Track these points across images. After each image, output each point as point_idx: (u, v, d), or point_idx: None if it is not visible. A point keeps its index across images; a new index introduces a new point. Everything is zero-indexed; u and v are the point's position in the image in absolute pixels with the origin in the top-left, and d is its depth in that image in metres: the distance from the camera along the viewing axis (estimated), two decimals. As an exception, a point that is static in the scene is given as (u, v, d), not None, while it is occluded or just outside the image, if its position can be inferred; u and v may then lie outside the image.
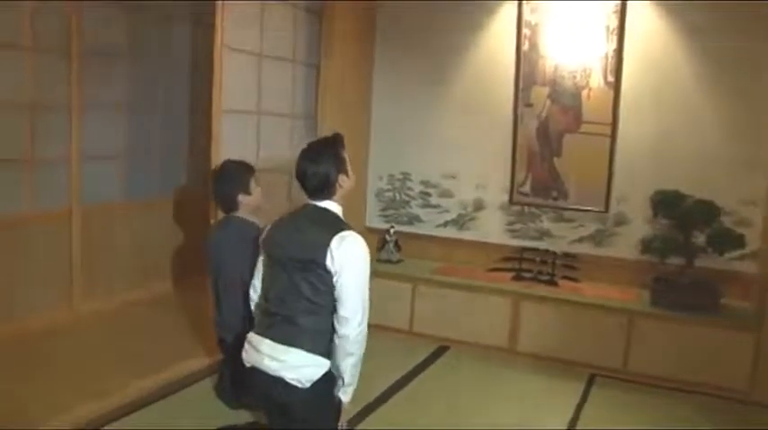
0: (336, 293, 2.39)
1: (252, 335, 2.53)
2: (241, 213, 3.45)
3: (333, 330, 2.44)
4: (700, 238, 4.10)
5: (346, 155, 2.55)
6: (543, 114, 4.66)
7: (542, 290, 4.41)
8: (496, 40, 4.76)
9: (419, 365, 4.22)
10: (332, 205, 2.51)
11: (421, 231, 5.14)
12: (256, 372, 2.50)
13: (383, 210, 5.25)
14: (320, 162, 2.48)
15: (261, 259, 2.64)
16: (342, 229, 2.41)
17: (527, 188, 4.77)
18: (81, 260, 4.57)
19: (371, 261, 2.46)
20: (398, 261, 4.90)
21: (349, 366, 2.44)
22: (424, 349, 4.45)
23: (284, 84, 4.56)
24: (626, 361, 4.11)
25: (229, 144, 4.03)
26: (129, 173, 4.94)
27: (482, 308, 4.43)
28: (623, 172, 4.50)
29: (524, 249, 4.69)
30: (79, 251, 4.56)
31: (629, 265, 4.48)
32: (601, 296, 4.30)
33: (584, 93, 4.53)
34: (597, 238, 4.62)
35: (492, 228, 4.91)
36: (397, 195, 5.20)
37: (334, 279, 2.38)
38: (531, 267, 4.62)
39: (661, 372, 4.02)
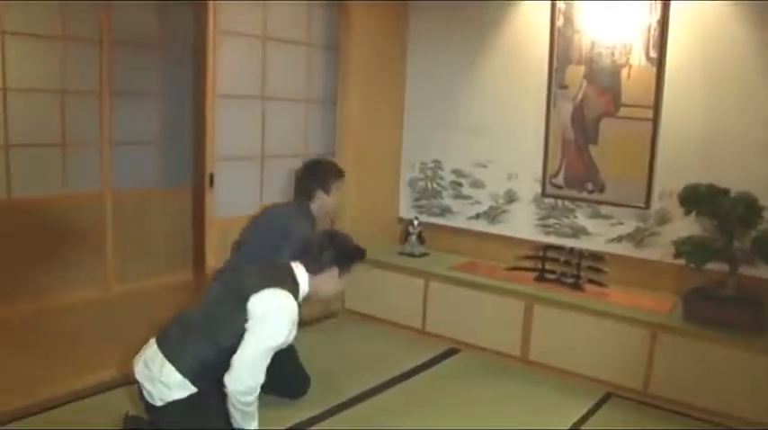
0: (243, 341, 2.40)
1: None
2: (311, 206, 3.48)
3: (220, 366, 2.40)
4: (747, 242, 3.45)
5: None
6: (579, 97, 4.14)
7: (563, 293, 3.91)
8: (530, 16, 4.29)
9: (419, 366, 3.90)
10: (298, 267, 2.62)
11: (452, 223, 4.78)
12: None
13: (416, 200, 4.95)
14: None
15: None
16: (283, 285, 2.47)
17: (560, 179, 4.26)
18: (113, 243, 4.71)
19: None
20: (422, 254, 4.58)
21: (234, 413, 2.45)
22: (432, 350, 4.11)
23: (297, 67, 4.40)
24: (647, 381, 3.54)
25: (228, 131, 3.95)
26: (160, 159, 5.02)
27: (495, 310, 4.02)
28: (667, 162, 3.89)
29: (547, 247, 4.20)
30: (112, 234, 4.70)
31: (670, 271, 3.84)
32: (629, 304, 3.73)
33: (624, 71, 3.96)
34: (637, 238, 4.03)
35: (523, 223, 4.45)
36: (429, 185, 4.88)
37: (247, 323, 2.39)
38: (556, 268, 4.12)
39: (686, 398, 3.40)
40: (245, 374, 2.37)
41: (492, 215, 4.59)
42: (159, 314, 3.29)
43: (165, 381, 2.35)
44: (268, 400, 3.01)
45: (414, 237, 4.61)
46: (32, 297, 4.29)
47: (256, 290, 2.40)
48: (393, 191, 5.00)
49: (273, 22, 4.17)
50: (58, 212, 4.43)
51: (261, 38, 4.10)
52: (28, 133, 4.30)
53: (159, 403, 2.38)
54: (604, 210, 4.14)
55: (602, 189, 4.12)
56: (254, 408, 2.49)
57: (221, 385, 2.39)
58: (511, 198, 4.50)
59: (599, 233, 4.17)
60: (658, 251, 3.94)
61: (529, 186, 4.41)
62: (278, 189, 4.34)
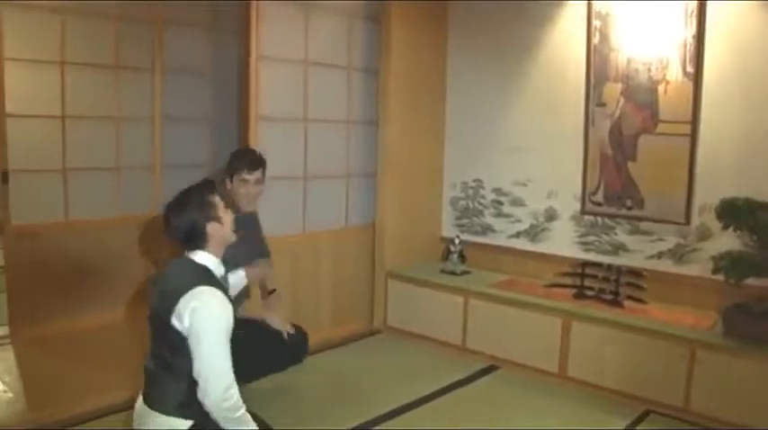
0: (193, 361, 2.23)
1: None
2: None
3: (194, 389, 2.26)
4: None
5: (217, 200, 2.39)
6: (616, 114, 4.15)
7: (601, 310, 3.89)
8: (566, 34, 4.35)
9: (458, 382, 3.93)
10: (202, 256, 2.37)
11: (494, 242, 4.82)
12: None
13: (458, 218, 5.01)
14: (185, 210, 2.35)
15: None
16: (195, 285, 2.24)
17: (600, 196, 4.26)
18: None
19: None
20: (463, 273, 4.62)
21: (226, 425, 2.28)
22: (472, 366, 4.14)
23: (338, 90, 4.54)
24: (687, 398, 3.49)
25: (271, 152, 4.09)
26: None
27: (533, 327, 4.03)
28: (706, 177, 3.85)
29: (586, 264, 4.19)
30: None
31: (711, 287, 3.78)
32: (668, 321, 3.70)
33: (661, 87, 3.96)
34: (678, 254, 3.99)
35: (563, 241, 4.46)
36: (471, 204, 4.93)
37: (187, 340, 2.22)
38: (594, 284, 4.11)
39: (727, 416, 3.34)
40: (212, 381, 2.22)
41: (532, 233, 4.61)
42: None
43: (161, 426, 2.30)
44: (306, 415, 3.08)
45: (455, 256, 4.66)
46: (90, 313, 4.52)
47: (171, 309, 2.23)
48: (435, 210, 5.07)
49: (314, 46, 4.33)
50: (113, 234, 4.67)
51: (303, 62, 4.26)
52: (85, 158, 4.57)
53: None
54: (644, 226, 4.12)
55: (641, 205, 4.10)
56: (241, 412, 2.31)
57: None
58: (551, 216, 4.52)
59: (638, 249, 4.14)
60: (698, 267, 3.89)
61: (568, 204, 4.42)
62: (321, 209, 4.48)
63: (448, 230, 5.04)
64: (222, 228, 2.39)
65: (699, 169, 3.87)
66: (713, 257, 3.54)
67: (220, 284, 2.35)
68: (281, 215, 4.20)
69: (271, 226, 3.94)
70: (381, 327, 4.78)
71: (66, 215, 4.50)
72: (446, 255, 4.74)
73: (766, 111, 3.65)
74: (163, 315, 2.25)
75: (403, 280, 4.69)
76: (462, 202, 4.98)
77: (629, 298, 3.99)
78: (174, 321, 2.22)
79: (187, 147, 5.06)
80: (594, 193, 4.28)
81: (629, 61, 4.07)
